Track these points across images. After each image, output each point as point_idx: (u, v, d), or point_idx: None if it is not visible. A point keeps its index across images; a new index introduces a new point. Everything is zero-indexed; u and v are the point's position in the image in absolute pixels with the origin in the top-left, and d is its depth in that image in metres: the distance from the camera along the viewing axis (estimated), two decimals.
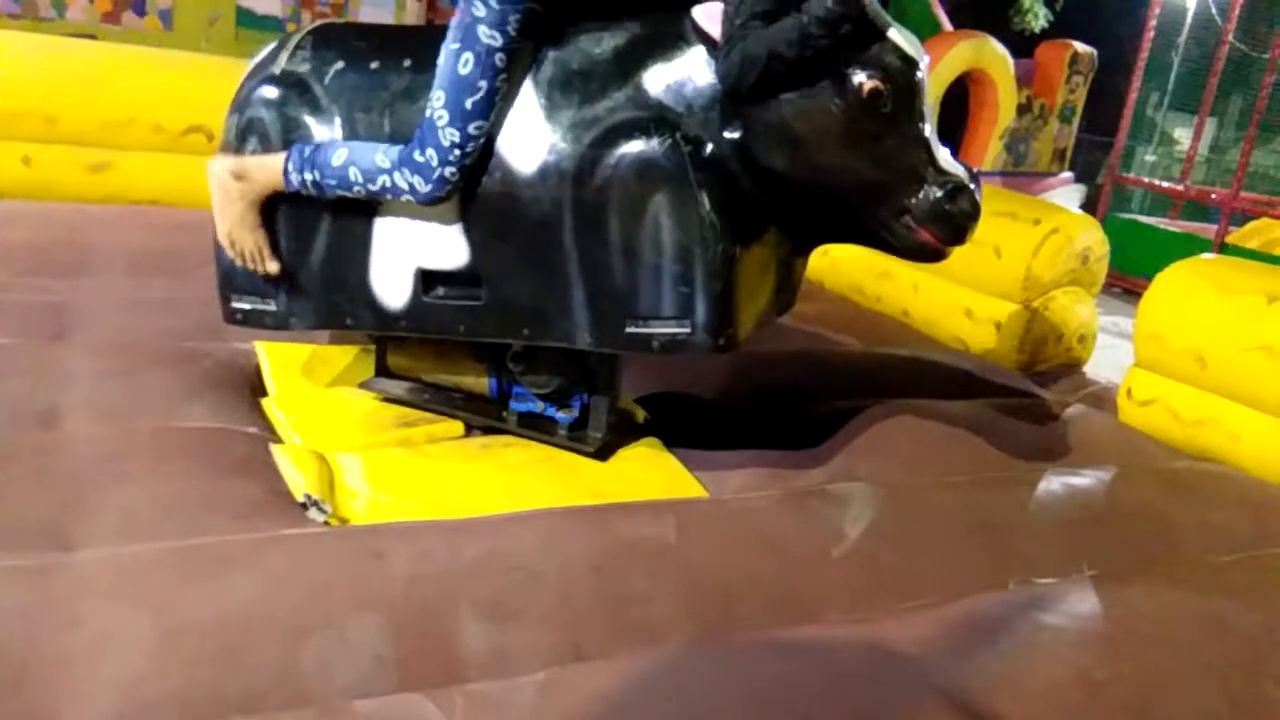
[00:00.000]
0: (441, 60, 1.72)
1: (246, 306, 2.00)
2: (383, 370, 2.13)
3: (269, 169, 1.85)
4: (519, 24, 1.70)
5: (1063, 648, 1.49)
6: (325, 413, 2.00)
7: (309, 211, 1.90)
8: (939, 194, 1.72)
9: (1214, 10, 8.00)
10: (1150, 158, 10.24)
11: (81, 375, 1.94)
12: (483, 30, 1.68)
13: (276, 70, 1.94)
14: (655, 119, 1.72)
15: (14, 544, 1.39)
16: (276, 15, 8.29)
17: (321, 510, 1.62)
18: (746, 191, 1.74)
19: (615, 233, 1.73)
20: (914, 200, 1.73)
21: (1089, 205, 8.16)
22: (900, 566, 1.68)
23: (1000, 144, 7.75)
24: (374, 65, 1.91)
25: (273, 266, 1.91)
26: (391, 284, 1.90)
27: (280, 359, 2.17)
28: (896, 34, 1.72)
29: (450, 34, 1.72)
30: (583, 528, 1.63)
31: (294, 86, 1.91)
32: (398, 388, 2.11)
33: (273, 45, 2.04)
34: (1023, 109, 7.79)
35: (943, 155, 1.77)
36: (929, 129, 1.77)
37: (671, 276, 1.72)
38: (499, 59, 1.70)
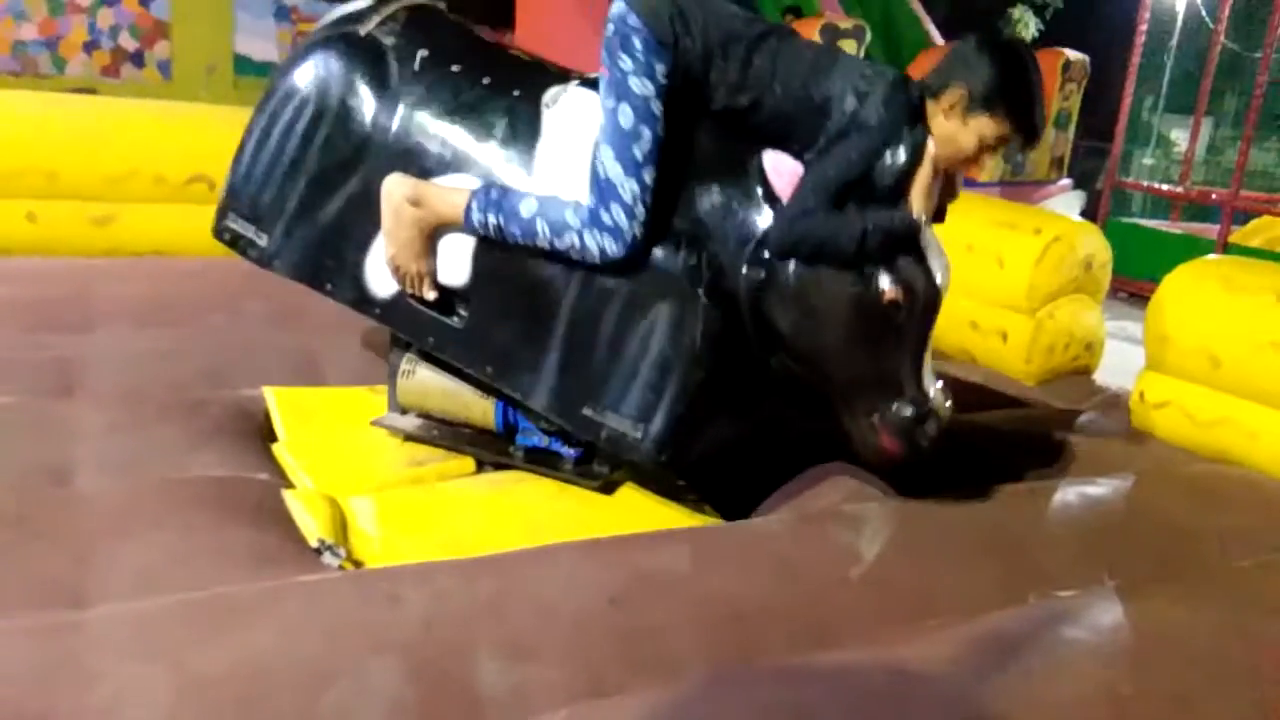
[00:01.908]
0: (602, 120, 1.77)
1: (237, 229, 2.03)
2: (395, 406, 2.14)
3: (449, 203, 1.85)
4: (666, 70, 1.76)
5: (1087, 662, 1.47)
6: (336, 455, 2.00)
7: (339, 172, 1.93)
8: (910, 412, 1.79)
9: (1204, 12, 8.03)
10: (1148, 161, 10.25)
11: (91, 430, 1.94)
12: (634, 82, 1.75)
13: (362, 31, 1.96)
14: (691, 236, 1.78)
15: (29, 602, 1.39)
16: (274, 60, 8.36)
17: (335, 554, 1.61)
18: (744, 335, 1.82)
19: (611, 320, 1.79)
20: (888, 408, 1.80)
21: (1089, 211, 8.16)
22: (918, 585, 1.67)
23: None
24: (455, 68, 1.94)
25: (431, 294, 1.91)
26: (385, 271, 1.93)
27: (289, 403, 2.18)
28: (934, 255, 1.79)
29: (603, 94, 1.78)
30: (597, 561, 1.62)
31: (371, 54, 1.94)
32: (409, 424, 2.12)
33: (360, 4, 2.06)
34: None
35: (928, 378, 1.84)
36: (926, 353, 1.84)
37: (645, 381, 1.77)
38: (655, 106, 1.76)
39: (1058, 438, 2.47)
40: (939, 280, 1.80)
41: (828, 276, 1.75)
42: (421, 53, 1.95)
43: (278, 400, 2.18)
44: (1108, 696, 1.39)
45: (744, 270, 1.79)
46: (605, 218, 1.75)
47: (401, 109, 1.92)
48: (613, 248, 1.75)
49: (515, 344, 1.87)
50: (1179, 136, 9.76)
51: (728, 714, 1.30)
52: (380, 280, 1.95)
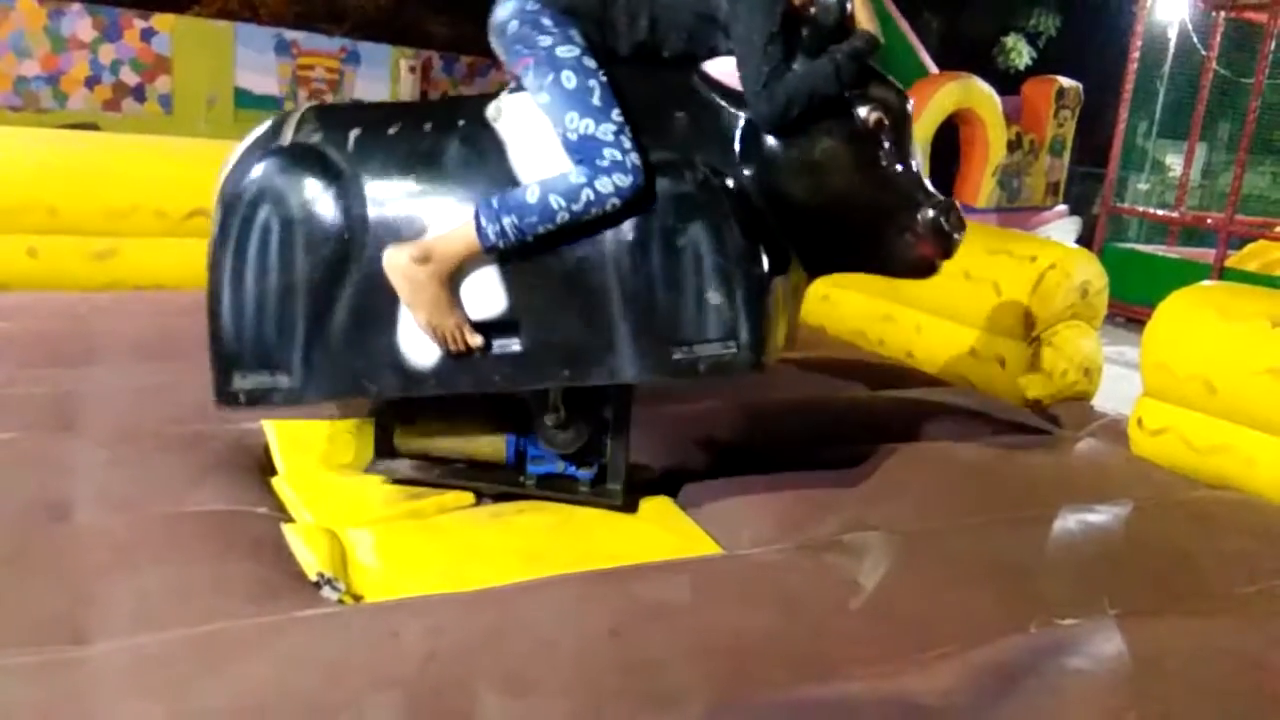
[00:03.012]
0: (546, 98, 1.84)
1: (250, 385, 1.90)
2: (384, 452, 2.10)
3: (457, 239, 1.82)
4: (580, 31, 1.88)
5: (1089, 691, 1.46)
6: (335, 488, 2.00)
7: (334, 273, 1.87)
8: (934, 213, 1.93)
9: (1195, 39, 8.10)
10: (1143, 186, 10.30)
11: (91, 465, 1.94)
12: (560, 50, 1.85)
13: (284, 143, 1.93)
14: (683, 160, 1.86)
15: (28, 639, 1.39)
16: (274, 94, 8.44)
17: (335, 588, 1.61)
18: (768, 221, 1.91)
19: (657, 266, 1.84)
20: (913, 219, 1.94)
21: (1086, 237, 8.20)
22: (920, 615, 1.66)
23: (993, 181, 7.81)
24: (392, 130, 1.94)
25: (476, 340, 1.87)
26: (421, 342, 1.88)
27: (288, 436, 2.18)
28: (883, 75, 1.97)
29: (534, 76, 1.86)
30: (598, 593, 1.61)
31: (307, 155, 1.90)
32: (403, 466, 2.09)
33: (263, 127, 2.03)
34: (1013, 145, 7.85)
35: (926, 180, 2.00)
36: (917, 156, 2.00)
37: (715, 301, 1.84)
38: (588, 60, 1.86)
39: (1057, 464, 2.47)
40: (899, 87, 1.98)
41: (816, 132, 1.89)
42: (353, 133, 1.93)
43: (277, 433, 2.19)
44: None
45: (741, 171, 1.90)
46: (602, 161, 1.79)
47: (366, 188, 1.87)
48: (623, 180, 1.79)
49: (582, 337, 1.87)
50: (1174, 162, 9.82)
51: None
52: (420, 353, 1.88)
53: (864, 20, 1.90)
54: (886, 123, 1.91)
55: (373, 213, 1.88)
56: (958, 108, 7.37)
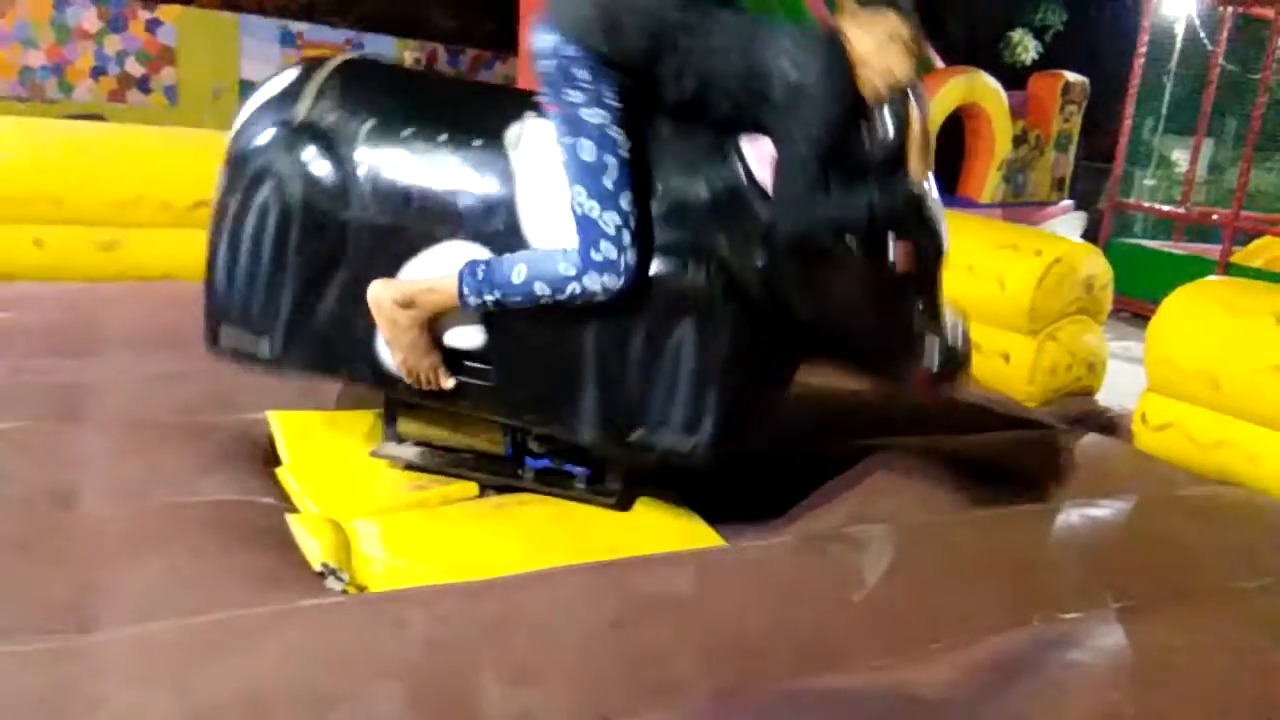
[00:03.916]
0: (563, 157, 1.75)
1: (234, 341, 1.96)
2: (393, 436, 2.13)
3: (439, 293, 1.80)
4: (615, 94, 1.75)
5: (1091, 685, 1.47)
6: (339, 479, 2.00)
7: (325, 268, 1.87)
8: (937, 361, 1.87)
9: (1202, 34, 8.07)
10: (1149, 181, 10.27)
11: (96, 455, 1.94)
12: (586, 114, 1.73)
13: (296, 120, 1.88)
14: (694, 245, 1.78)
15: (34, 627, 1.39)
16: None
17: (339, 578, 1.61)
18: (765, 313, 1.82)
19: (635, 350, 1.79)
20: (917, 367, 1.87)
21: (1091, 232, 8.18)
22: (922, 608, 1.67)
23: (999, 175, 7.78)
24: (406, 131, 1.87)
25: (448, 384, 1.88)
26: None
27: (293, 427, 2.18)
28: (931, 205, 1.84)
29: (558, 129, 1.76)
30: (601, 584, 1.62)
31: (316, 140, 1.86)
32: (409, 452, 2.10)
33: (286, 79, 1.97)
34: (1019, 140, 7.83)
35: (947, 317, 1.91)
36: (939, 296, 1.89)
37: (685, 396, 1.79)
38: (613, 132, 1.74)
39: (1060, 459, 2.47)
40: (941, 230, 1.86)
41: (838, 259, 1.76)
42: (367, 124, 1.88)
43: (282, 424, 2.19)
44: (1112, 719, 1.39)
45: (752, 262, 1.79)
46: (596, 255, 1.72)
47: (366, 191, 1.85)
48: (613, 282, 1.73)
49: (549, 390, 1.86)
50: (1180, 157, 9.78)
51: None
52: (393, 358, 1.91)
53: (915, 161, 1.77)
54: (912, 270, 1.78)
55: (369, 217, 1.86)
56: (963, 102, 7.35)
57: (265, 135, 1.89)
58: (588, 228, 1.73)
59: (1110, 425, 2.82)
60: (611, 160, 1.73)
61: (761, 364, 1.86)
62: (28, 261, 3.23)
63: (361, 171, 1.86)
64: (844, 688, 1.43)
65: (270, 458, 2.10)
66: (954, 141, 7.53)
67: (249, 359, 1.98)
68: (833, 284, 1.80)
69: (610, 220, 1.72)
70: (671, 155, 1.82)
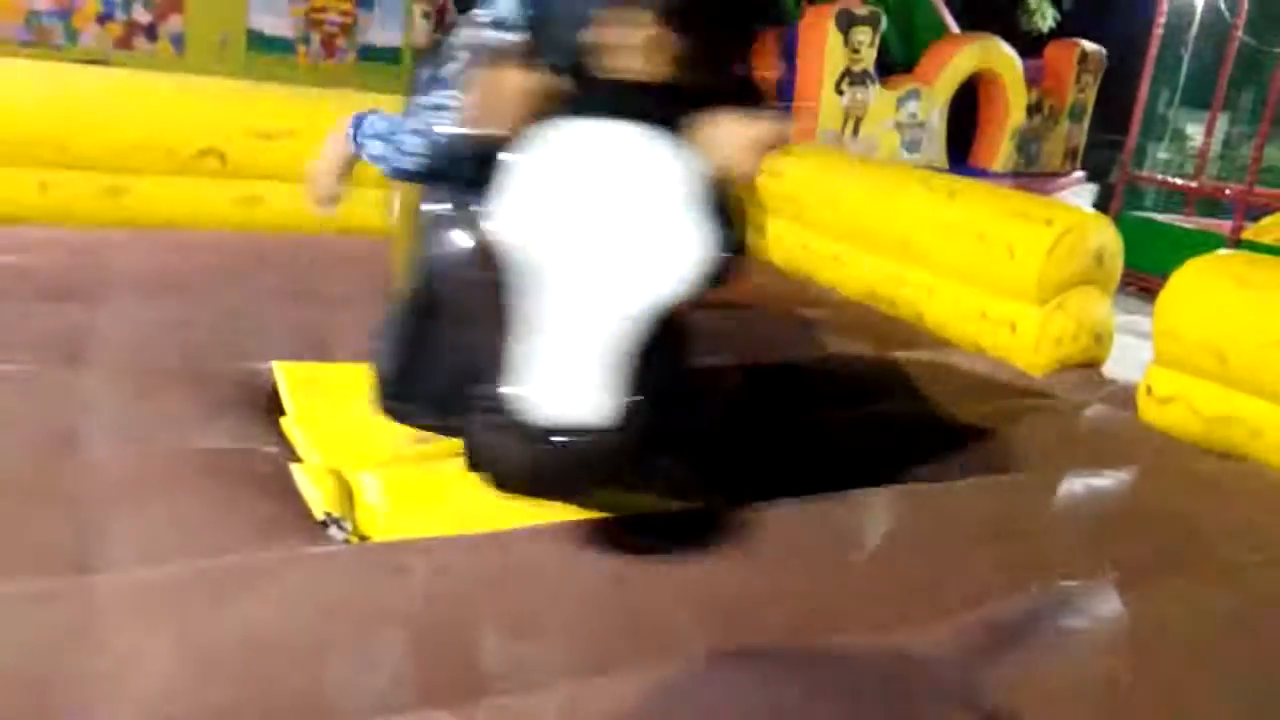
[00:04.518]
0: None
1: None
2: None
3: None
4: None
5: (1088, 651, 1.47)
6: (343, 430, 2.00)
7: None
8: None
9: (1222, 6, 7.96)
10: (1163, 155, 10.19)
11: (100, 399, 1.95)
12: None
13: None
14: None
15: (35, 568, 1.40)
16: (287, 36, 8.35)
17: (341, 528, 1.62)
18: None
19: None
20: None
21: (1102, 203, 8.12)
22: (922, 572, 1.67)
23: (1011, 144, 7.71)
24: None
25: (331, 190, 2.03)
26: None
27: (297, 378, 2.18)
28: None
29: None
30: (603, 541, 1.62)
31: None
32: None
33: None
34: (1032, 109, 7.74)
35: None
36: None
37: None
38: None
39: (1064, 429, 2.47)
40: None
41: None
42: None
43: (286, 375, 2.19)
44: (1108, 685, 1.40)
45: None
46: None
47: None
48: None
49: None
50: (1194, 131, 9.69)
51: (729, 695, 1.30)
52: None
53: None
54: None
55: None
56: (978, 69, 7.27)
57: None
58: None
59: (1115, 397, 2.81)
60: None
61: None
62: (33, 205, 3.22)
63: None
64: (842, 649, 1.43)
65: (275, 407, 2.10)
66: (967, 109, 7.46)
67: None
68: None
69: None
70: None
